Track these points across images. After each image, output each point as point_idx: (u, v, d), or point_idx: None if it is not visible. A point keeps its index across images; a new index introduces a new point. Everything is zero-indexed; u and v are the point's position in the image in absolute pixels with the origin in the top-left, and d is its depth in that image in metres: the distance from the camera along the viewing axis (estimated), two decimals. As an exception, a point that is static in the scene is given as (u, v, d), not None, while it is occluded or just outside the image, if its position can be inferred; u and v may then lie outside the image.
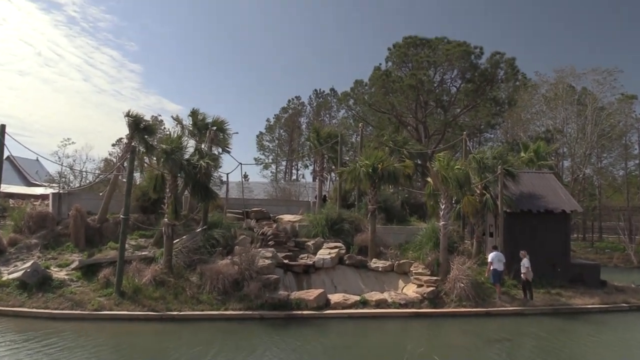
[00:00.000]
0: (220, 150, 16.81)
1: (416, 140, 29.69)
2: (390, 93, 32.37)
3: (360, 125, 21.52)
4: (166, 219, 12.66)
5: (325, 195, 21.62)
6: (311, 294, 11.96)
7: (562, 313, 12.47)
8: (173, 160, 12.57)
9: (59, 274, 12.19)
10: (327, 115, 53.61)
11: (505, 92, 33.46)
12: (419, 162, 22.09)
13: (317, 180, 22.16)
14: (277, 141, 53.29)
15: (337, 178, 19.18)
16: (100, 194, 16.01)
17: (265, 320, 10.98)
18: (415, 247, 15.04)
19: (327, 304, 11.86)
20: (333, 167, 21.30)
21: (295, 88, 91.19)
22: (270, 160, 52.16)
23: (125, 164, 14.17)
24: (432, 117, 34.91)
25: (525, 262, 13.13)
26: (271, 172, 52.61)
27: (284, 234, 15.57)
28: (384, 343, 9.58)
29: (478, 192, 15.70)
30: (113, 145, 37.72)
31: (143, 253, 13.34)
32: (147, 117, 16.37)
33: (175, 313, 10.86)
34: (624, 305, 13.38)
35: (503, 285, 13.40)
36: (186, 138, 15.16)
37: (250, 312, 11.13)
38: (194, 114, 17.01)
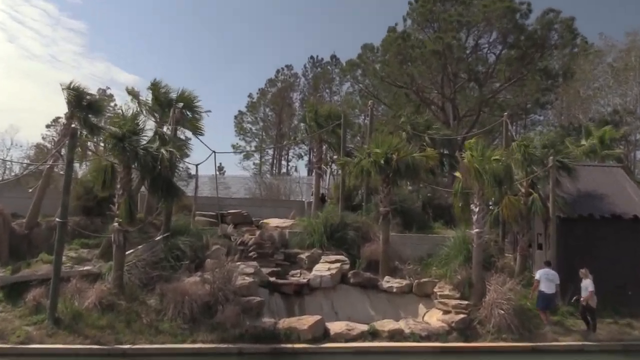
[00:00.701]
0: (188, 134, 16.73)
1: (442, 123, 29.67)
2: (408, 62, 32.29)
3: (369, 103, 21.49)
4: (116, 224, 12.60)
5: (323, 194, 21.65)
6: (305, 322, 11.96)
7: (633, 350, 12.45)
8: (126, 147, 12.49)
9: (-26, 294, 12.12)
10: (327, 90, 53.69)
11: (560, 61, 33.43)
12: (446, 151, 22.07)
13: (313, 175, 22.13)
14: (261, 123, 53.33)
15: (340, 171, 19.15)
16: (30, 190, 15.89)
17: (245, 355, 10.95)
18: (441, 261, 15.05)
19: (326, 335, 11.85)
20: (334, 157, 21.26)
21: (286, 54, 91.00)
22: (253, 148, 52.22)
23: (64, 152, 14.06)
24: (464, 93, 34.90)
25: (587, 284, 12.99)
26: (254, 163, 52.68)
27: (270, 244, 15.55)
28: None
29: (523, 191, 15.68)
30: (47, 126, 37.70)
31: (85, 268, 13.28)
32: (93, 91, 16.28)
33: (127, 346, 10.82)
34: None
35: (555, 312, 13.39)
36: (144, 118, 15.11)
37: (226, 346, 11.11)
38: (154, 86, 16.94)
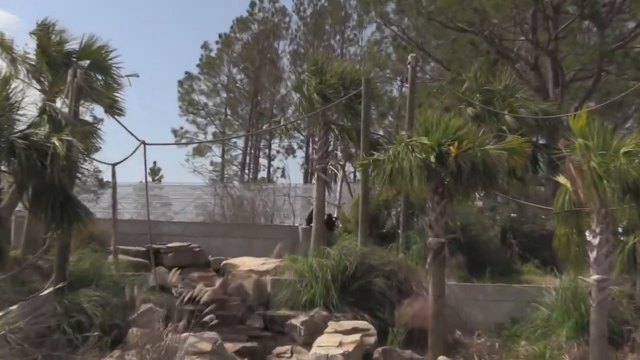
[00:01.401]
0: (99, 112, 16.76)
1: (535, 91, 29.61)
2: (475, -10, 32.32)
3: (409, 58, 21.38)
4: (-26, 267, 12.57)
5: (331, 215, 21.69)
6: None
7: None
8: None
9: None
10: (338, 38, 53.96)
11: None
12: (542, 140, 21.98)
13: (313, 182, 22.03)
14: (225, 94, 53.47)
15: (359, 176, 19.04)
16: None
17: None
18: (535, 331, 15.06)
19: None
20: (351, 151, 21.23)
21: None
22: (210, 137, 52.30)
23: None
24: (572, 40, 34.84)
25: None
26: (212, 162, 52.89)
27: (240, 301, 15.60)
28: None
29: (676, 210, 15.58)
30: None
31: None
32: None
33: None
34: None
35: None
36: (22, 84, 15.10)
37: None
38: (42, 31, 16.97)
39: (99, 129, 17.55)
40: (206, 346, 13.32)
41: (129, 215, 25.20)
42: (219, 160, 52.72)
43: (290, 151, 52.66)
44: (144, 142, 17.21)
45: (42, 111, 13.82)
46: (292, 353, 14.40)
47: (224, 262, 18.06)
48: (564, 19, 33.38)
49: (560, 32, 33.15)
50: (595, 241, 13.86)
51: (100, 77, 16.79)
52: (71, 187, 13.67)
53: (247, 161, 53.40)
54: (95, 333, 13.50)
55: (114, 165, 17.72)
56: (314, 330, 14.75)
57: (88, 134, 16.36)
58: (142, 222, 19.32)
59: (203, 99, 52.69)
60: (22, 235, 16.52)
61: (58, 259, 14.66)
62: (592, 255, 13.87)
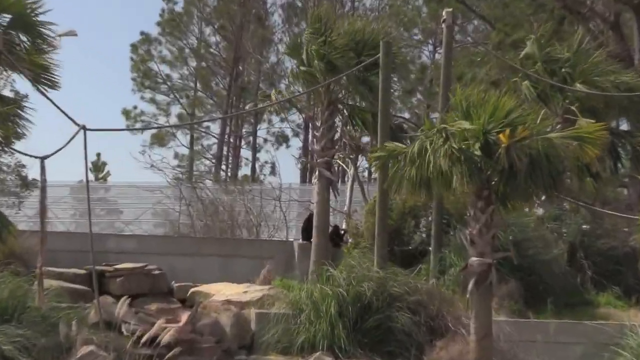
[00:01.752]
0: (24, 86, 16.74)
1: (616, 60, 29.56)
2: None
3: (445, 14, 21.33)
4: None
5: (338, 228, 21.82)
6: None
7: None
8: None
9: None
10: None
11: None
12: (625, 126, 21.92)
13: (314, 182, 22.05)
14: (194, 62, 53.51)
15: (375, 175, 19.01)
16: None
17: None
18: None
19: None
20: (361, 138, 21.21)
21: None
22: (175, 120, 52.33)
23: None
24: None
25: None
26: (177, 154, 52.87)
27: (214, 344, 15.66)
28: None
29: None
30: None
31: None
32: None
33: None
34: None
35: None
36: None
37: None
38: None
39: (24, 108, 17.46)
40: (168, 404, 13.40)
41: (63, 226, 25.22)
42: (186, 152, 52.83)
43: (282, 140, 52.65)
44: (84, 127, 17.18)
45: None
46: (284, 414, 14.50)
47: (193, 289, 18.10)
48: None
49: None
50: (696, 264, 13.89)
51: (25, 39, 16.73)
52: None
53: (225, 153, 53.38)
54: (18, 386, 13.58)
55: (42, 158, 17.72)
56: (313, 381, 14.85)
57: (8, 116, 16.27)
58: (82, 236, 19.32)
59: (165, 69, 52.79)
60: None
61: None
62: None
